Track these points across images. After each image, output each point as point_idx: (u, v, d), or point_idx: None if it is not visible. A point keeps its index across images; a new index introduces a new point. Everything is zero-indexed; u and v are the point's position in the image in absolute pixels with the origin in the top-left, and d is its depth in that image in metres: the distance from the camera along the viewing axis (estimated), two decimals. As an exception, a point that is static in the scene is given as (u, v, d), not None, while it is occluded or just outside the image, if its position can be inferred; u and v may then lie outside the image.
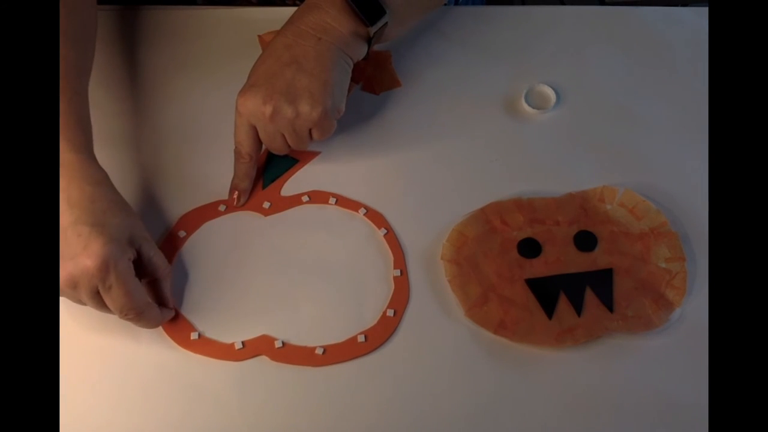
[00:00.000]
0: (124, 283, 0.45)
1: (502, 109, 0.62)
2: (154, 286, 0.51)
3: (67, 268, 0.44)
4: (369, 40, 0.55)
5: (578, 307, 0.51)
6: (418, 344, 0.51)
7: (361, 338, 0.51)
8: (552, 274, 0.53)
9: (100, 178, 0.49)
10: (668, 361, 0.50)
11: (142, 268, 0.49)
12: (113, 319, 0.51)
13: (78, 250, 0.44)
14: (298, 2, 0.56)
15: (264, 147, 0.56)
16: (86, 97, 0.52)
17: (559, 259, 0.53)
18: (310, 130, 0.53)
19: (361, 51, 0.55)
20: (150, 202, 0.56)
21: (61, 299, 0.47)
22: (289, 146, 0.55)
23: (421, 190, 0.57)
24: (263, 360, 0.50)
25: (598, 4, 1.30)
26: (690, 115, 0.61)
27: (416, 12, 0.60)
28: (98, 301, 0.46)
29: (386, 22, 0.54)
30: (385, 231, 0.55)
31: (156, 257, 0.49)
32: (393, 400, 0.49)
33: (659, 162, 0.59)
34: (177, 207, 0.56)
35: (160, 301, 0.51)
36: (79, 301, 0.47)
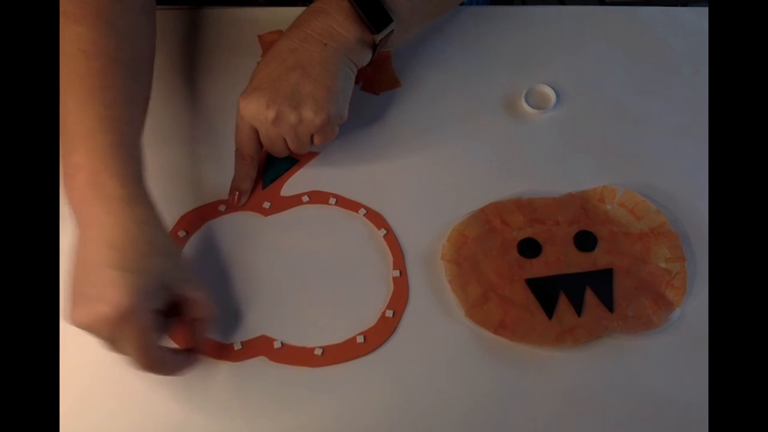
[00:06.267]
0: (137, 339, 0.43)
1: (502, 109, 0.62)
2: (193, 325, 0.48)
3: (88, 311, 0.42)
4: (374, 47, 0.54)
5: (578, 307, 0.51)
6: (418, 345, 0.51)
7: (360, 339, 0.51)
8: (552, 274, 0.53)
9: (147, 217, 0.46)
10: (668, 361, 0.50)
11: (183, 307, 0.47)
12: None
13: (102, 294, 0.42)
14: (307, 3, 0.55)
15: (264, 148, 0.56)
16: (140, 128, 0.50)
17: (559, 259, 0.53)
18: (311, 135, 0.53)
19: (365, 58, 0.55)
20: (150, 203, 0.56)
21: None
22: (289, 149, 0.55)
23: (420, 190, 0.57)
24: (262, 360, 0.50)
25: (598, 4, 1.30)
26: (690, 115, 0.61)
27: (422, 20, 0.59)
28: (113, 346, 0.44)
29: (392, 30, 0.53)
30: (385, 231, 0.55)
31: (200, 299, 0.47)
32: (392, 400, 0.49)
33: (659, 162, 0.59)
34: (177, 207, 0.56)
35: (195, 343, 0.48)
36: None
